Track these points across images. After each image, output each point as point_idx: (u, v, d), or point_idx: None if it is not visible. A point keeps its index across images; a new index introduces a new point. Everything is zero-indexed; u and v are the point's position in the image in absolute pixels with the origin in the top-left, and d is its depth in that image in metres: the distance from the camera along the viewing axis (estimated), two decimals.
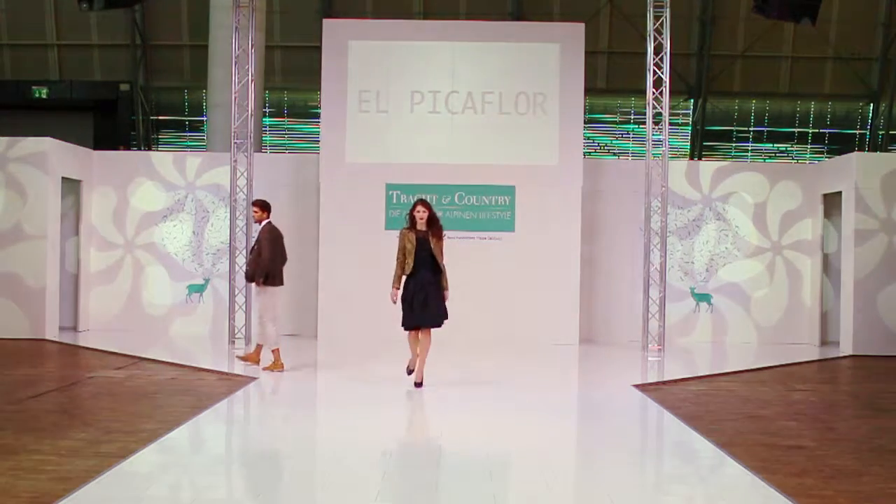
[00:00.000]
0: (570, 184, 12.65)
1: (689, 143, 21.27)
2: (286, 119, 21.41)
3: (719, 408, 7.85)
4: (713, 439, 6.42)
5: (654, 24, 12.21)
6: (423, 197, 8.95)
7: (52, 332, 12.10)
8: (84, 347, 11.23)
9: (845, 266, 12.32)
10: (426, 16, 19.44)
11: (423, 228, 8.34)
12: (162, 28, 20.71)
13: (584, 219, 12.83)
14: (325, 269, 12.70)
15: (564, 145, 12.68)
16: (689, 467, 5.99)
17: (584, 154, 13.26)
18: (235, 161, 12.14)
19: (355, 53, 12.79)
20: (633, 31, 18.53)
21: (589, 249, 13.01)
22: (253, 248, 9.72)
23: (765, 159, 21.08)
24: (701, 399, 8.29)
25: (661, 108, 12.30)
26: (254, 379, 8.95)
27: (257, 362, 9.71)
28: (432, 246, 8.28)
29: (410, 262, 8.26)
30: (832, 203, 12.94)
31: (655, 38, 12.24)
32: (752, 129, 21.52)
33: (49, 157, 12.18)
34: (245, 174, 12.15)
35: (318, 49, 13.36)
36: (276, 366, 9.42)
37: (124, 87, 20.37)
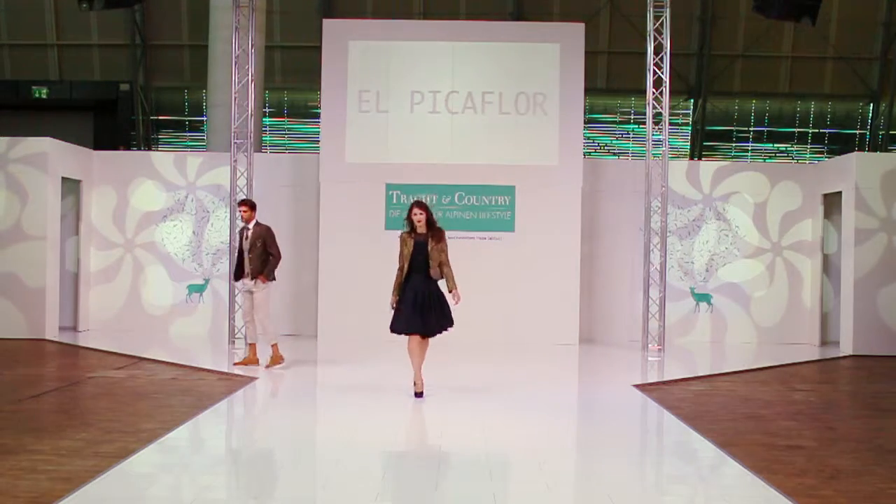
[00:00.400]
0: (570, 184, 12.66)
1: (689, 143, 21.28)
2: (286, 119, 21.41)
3: (719, 408, 7.85)
4: (713, 439, 6.42)
5: (654, 24, 12.21)
6: (420, 198, 8.71)
7: (52, 332, 12.10)
8: (84, 347, 11.23)
9: (845, 265, 12.33)
10: (426, 16, 19.45)
11: (423, 231, 7.99)
12: (162, 28, 20.72)
13: (584, 219, 12.84)
14: (325, 269, 12.71)
15: (564, 145, 12.68)
16: (689, 467, 5.99)
17: (584, 154, 13.27)
18: (235, 161, 12.14)
19: (355, 53, 12.80)
20: (633, 31, 18.53)
21: (589, 249, 13.01)
22: (245, 247, 9.68)
23: (765, 159, 21.09)
24: (701, 399, 8.29)
25: (661, 108, 12.30)
26: (254, 379, 8.95)
27: (257, 362, 9.74)
28: (430, 249, 7.90)
29: (406, 266, 7.94)
30: (832, 203, 12.94)
31: (655, 38, 12.24)
32: (752, 129, 21.52)
33: (49, 157, 12.18)
34: (245, 174, 12.15)
35: (318, 49, 13.36)
36: (277, 359, 9.57)
37: (124, 87, 20.39)
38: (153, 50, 20.93)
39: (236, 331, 11.89)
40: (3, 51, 20.96)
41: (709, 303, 13.12)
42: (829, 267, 13.14)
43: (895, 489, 5.21)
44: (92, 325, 13.08)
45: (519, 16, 19.71)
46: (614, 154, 21.10)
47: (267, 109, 20.35)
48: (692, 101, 21.02)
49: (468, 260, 11.74)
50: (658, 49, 12.23)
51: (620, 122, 21.29)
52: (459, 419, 7.14)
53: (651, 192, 12.36)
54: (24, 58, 20.93)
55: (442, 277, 8.00)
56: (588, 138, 19.08)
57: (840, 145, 21.10)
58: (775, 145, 21.58)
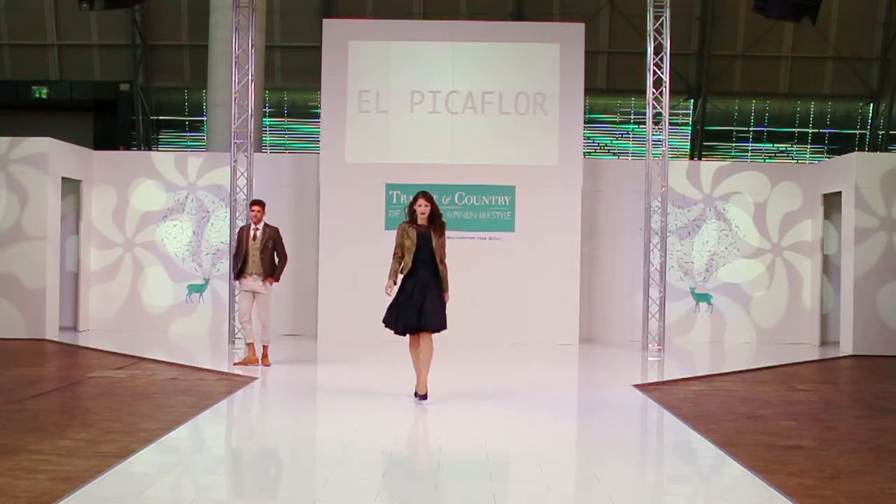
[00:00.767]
0: (570, 184, 12.66)
1: (689, 143, 21.26)
2: (286, 119, 21.40)
3: (719, 408, 7.85)
4: (713, 439, 6.42)
5: (654, 24, 12.22)
6: (425, 188, 8.10)
7: (52, 332, 12.10)
8: (84, 347, 11.23)
9: (845, 264, 12.33)
10: (426, 16, 19.43)
11: (424, 223, 7.61)
12: (162, 28, 20.71)
13: (584, 219, 12.84)
14: (325, 269, 12.71)
15: (564, 145, 12.69)
16: (689, 467, 5.99)
17: (584, 154, 13.27)
18: (235, 161, 12.14)
19: (355, 53, 12.80)
20: (633, 31, 18.53)
21: (589, 249, 13.02)
22: (253, 247, 9.70)
23: (765, 159, 21.08)
24: (701, 399, 8.29)
25: (661, 108, 12.30)
26: (254, 379, 8.95)
27: (256, 361, 9.78)
28: (434, 244, 7.54)
29: (409, 260, 7.53)
30: (832, 203, 12.94)
31: (655, 38, 12.24)
32: (752, 129, 21.51)
33: (49, 157, 12.18)
34: (245, 174, 12.15)
35: (318, 49, 13.36)
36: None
37: (124, 87, 20.36)
38: (153, 50, 20.91)
39: (236, 331, 11.89)
40: (3, 51, 20.96)
41: (709, 303, 13.13)
42: (829, 267, 13.14)
43: (895, 489, 5.21)
44: (92, 324, 13.08)
45: (519, 16, 19.70)
46: (614, 154, 21.10)
47: (267, 109, 20.34)
48: (692, 101, 21.01)
49: (468, 260, 11.77)
50: (658, 49, 12.23)
51: (620, 122, 21.28)
52: (459, 419, 7.14)
53: (651, 192, 12.36)
54: (24, 58, 20.91)
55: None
56: (588, 138, 19.07)
57: (840, 145, 21.08)
58: (775, 145, 21.57)
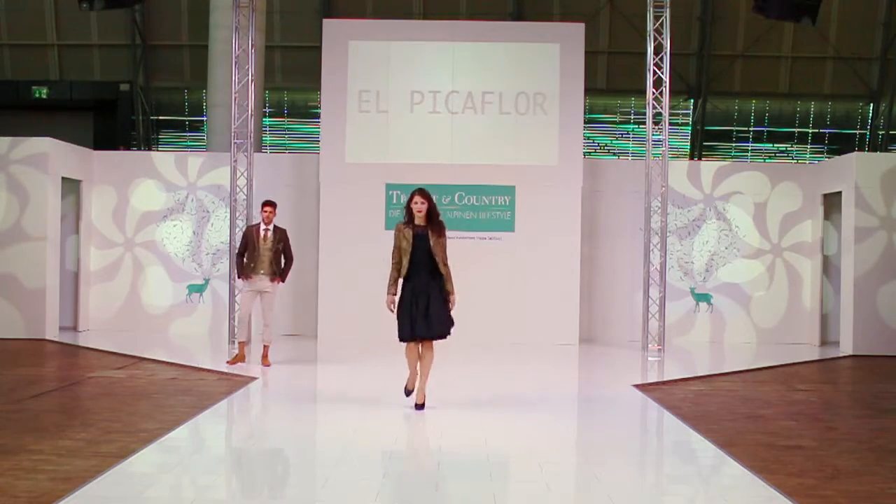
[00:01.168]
0: (570, 184, 12.66)
1: (689, 143, 21.27)
2: (286, 119, 21.41)
3: (719, 408, 7.85)
4: (713, 439, 6.42)
5: (654, 24, 12.22)
6: (422, 186, 7.59)
7: (52, 333, 12.10)
8: (84, 347, 11.23)
9: (845, 264, 12.33)
10: (426, 16, 19.44)
11: (422, 223, 7.23)
12: (162, 28, 20.71)
13: (584, 219, 12.84)
14: (325, 269, 12.71)
15: (564, 145, 12.69)
16: (689, 467, 5.99)
17: (584, 154, 13.27)
18: (235, 161, 12.14)
19: (355, 53, 12.80)
20: (633, 31, 18.53)
21: (589, 249, 13.02)
22: (263, 247, 9.75)
23: (765, 159, 21.08)
24: (701, 399, 8.29)
25: (661, 108, 12.30)
26: (254, 379, 8.96)
27: (244, 359, 9.89)
28: (432, 244, 7.16)
29: (406, 262, 7.17)
30: (832, 203, 12.94)
31: (655, 38, 12.24)
32: (752, 129, 21.52)
33: (49, 157, 12.18)
34: (245, 174, 12.15)
35: (318, 49, 13.36)
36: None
37: (124, 87, 20.36)
38: (153, 50, 20.92)
39: (236, 331, 11.89)
40: (3, 51, 20.96)
41: (709, 303, 13.13)
42: (829, 268, 13.13)
43: (895, 489, 5.21)
44: (92, 324, 13.08)
45: (519, 16, 19.71)
46: (614, 154, 21.10)
47: (267, 109, 20.35)
48: (692, 101, 21.01)
49: (468, 260, 11.76)
50: (658, 49, 12.23)
51: (620, 122, 21.28)
52: (459, 419, 7.14)
53: (651, 192, 12.36)
54: (24, 58, 20.91)
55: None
56: (588, 138, 19.07)
57: (840, 145, 21.09)
58: (775, 145, 21.57)
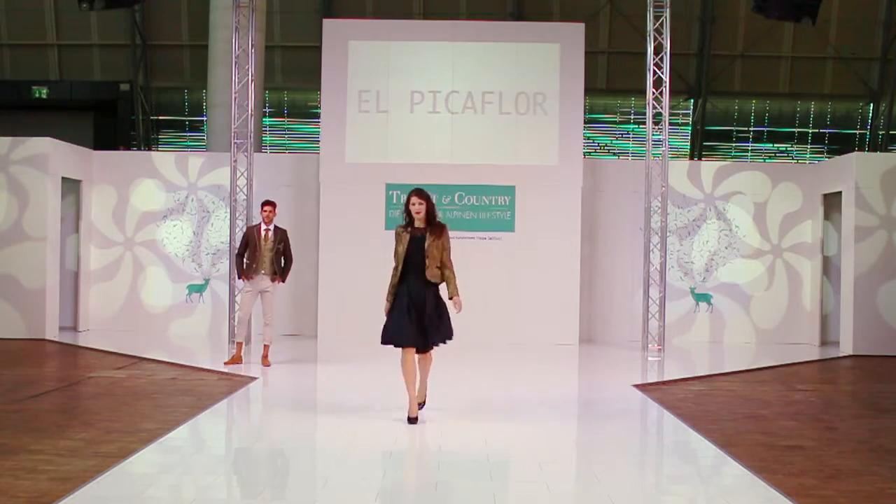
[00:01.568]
0: (570, 184, 12.66)
1: (689, 143, 21.27)
2: (286, 119, 21.41)
3: (719, 408, 7.85)
4: (713, 439, 6.42)
5: (654, 24, 12.22)
6: (420, 186, 7.19)
7: (52, 333, 12.10)
8: (84, 347, 11.23)
9: (845, 263, 12.33)
10: (426, 16, 19.44)
11: (422, 225, 6.86)
12: (162, 28, 20.71)
13: (584, 219, 12.84)
14: (325, 269, 12.71)
15: (564, 145, 12.69)
16: (689, 467, 5.99)
17: (584, 154, 13.27)
18: (235, 161, 12.14)
19: (355, 53, 12.80)
20: (633, 31, 18.53)
21: (589, 249, 13.02)
22: (264, 247, 9.77)
23: (765, 159, 21.08)
24: (701, 399, 8.29)
25: (661, 108, 12.30)
26: (254, 379, 8.96)
27: (241, 360, 9.92)
28: (426, 245, 6.78)
29: (399, 267, 6.83)
30: (832, 203, 12.94)
31: (655, 38, 12.24)
32: (752, 129, 21.52)
33: (49, 157, 12.18)
34: (245, 174, 12.15)
35: (318, 49, 13.36)
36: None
37: (124, 87, 20.38)
38: (153, 50, 20.92)
39: (235, 331, 11.88)
40: (3, 51, 20.96)
41: (709, 303, 13.13)
42: (829, 269, 13.13)
43: (895, 489, 5.21)
44: (92, 324, 13.08)
45: (519, 16, 19.71)
46: (614, 154, 21.10)
47: (267, 109, 20.35)
48: (692, 101, 21.01)
49: (468, 260, 11.75)
50: (658, 49, 12.23)
51: (620, 122, 21.29)
52: (459, 419, 7.14)
53: (651, 192, 12.36)
54: (24, 58, 20.92)
55: (441, 281, 6.89)
56: (588, 138, 19.07)
57: (840, 145, 21.09)
58: (775, 145, 21.58)
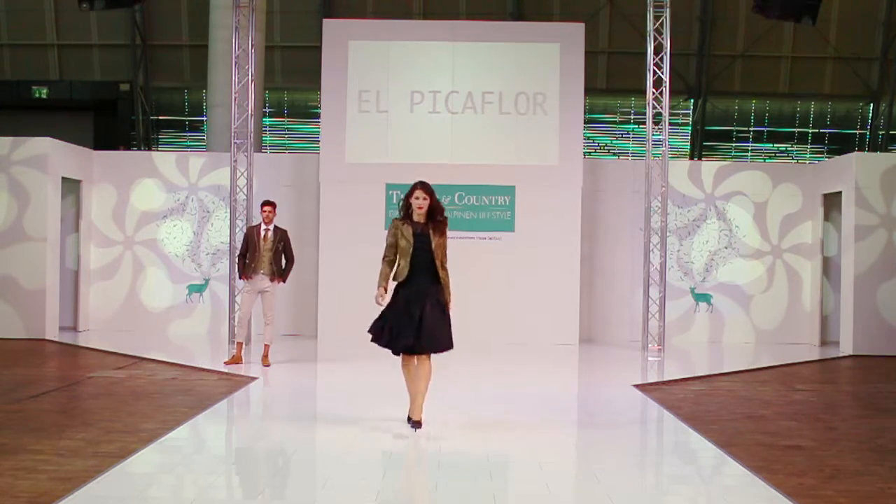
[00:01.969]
0: (570, 184, 12.66)
1: (689, 143, 21.27)
2: (286, 119, 21.41)
3: (719, 408, 7.85)
4: (713, 439, 6.42)
5: (654, 24, 12.22)
6: (424, 179, 6.69)
7: (52, 333, 12.10)
8: (84, 347, 11.23)
9: (845, 262, 12.33)
10: (426, 16, 19.43)
11: (422, 221, 6.43)
12: (162, 28, 20.70)
13: (584, 219, 12.84)
14: (325, 268, 12.71)
15: (564, 145, 12.68)
16: (689, 467, 5.99)
17: (584, 154, 13.27)
18: (235, 161, 12.14)
19: (355, 53, 12.80)
20: (633, 31, 18.52)
21: (589, 249, 13.02)
22: (264, 247, 9.77)
23: (765, 159, 21.08)
24: (701, 399, 8.29)
25: (661, 108, 12.30)
26: (254, 379, 8.96)
27: (241, 360, 9.93)
28: (434, 245, 6.35)
29: (405, 265, 6.32)
30: (832, 203, 12.94)
31: (655, 38, 12.24)
32: (752, 129, 21.51)
33: (49, 157, 12.18)
34: (245, 174, 12.15)
35: (318, 49, 13.36)
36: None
37: (124, 87, 20.37)
38: (153, 50, 20.91)
39: (236, 331, 11.88)
40: (3, 51, 20.95)
41: (709, 303, 13.12)
42: (829, 269, 13.13)
43: (895, 489, 5.21)
44: (92, 324, 13.08)
45: (519, 16, 19.70)
46: (614, 154, 21.10)
47: (267, 109, 20.34)
48: (692, 101, 21.01)
49: (468, 260, 11.75)
50: (658, 49, 12.23)
51: (620, 122, 21.28)
52: (459, 419, 7.14)
53: (651, 192, 12.36)
54: (24, 58, 20.91)
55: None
56: (588, 138, 19.06)
57: (840, 145, 21.09)
58: (775, 145, 21.57)
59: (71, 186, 12.92)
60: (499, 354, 11.34)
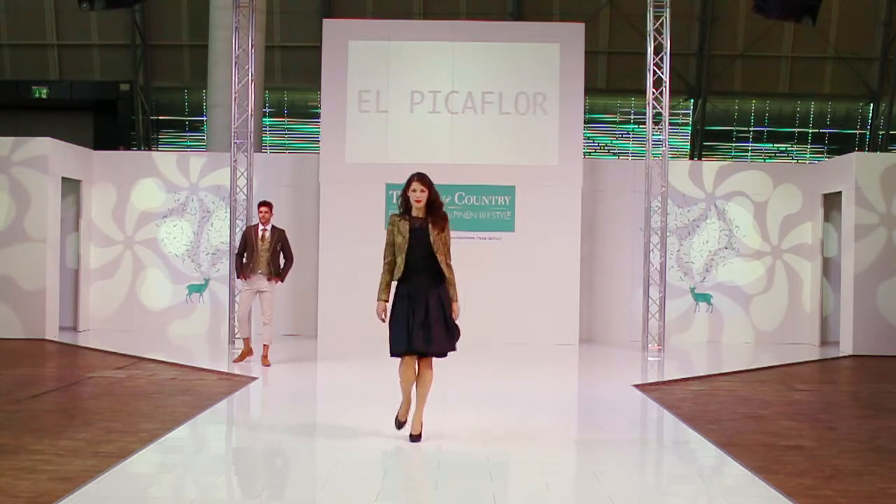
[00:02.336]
0: (570, 184, 12.66)
1: (689, 143, 21.27)
2: (286, 119, 21.41)
3: (719, 407, 7.85)
4: (713, 439, 6.42)
5: (654, 24, 12.21)
6: (422, 171, 6.22)
7: (51, 333, 12.10)
8: (84, 347, 11.23)
9: (845, 261, 12.32)
10: (426, 16, 19.43)
11: (421, 215, 6.05)
12: (162, 28, 20.71)
13: (584, 219, 12.84)
14: (325, 269, 12.71)
15: (564, 145, 12.68)
16: (689, 467, 5.99)
17: (584, 154, 13.27)
18: (235, 161, 12.14)
19: (355, 53, 12.80)
20: (633, 31, 18.52)
21: (589, 249, 13.01)
22: (261, 247, 9.78)
23: (765, 159, 21.08)
24: (701, 399, 8.29)
25: (661, 108, 12.30)
26: (254, 379, 8.96)
27: (251, 352, 9.98)
28: (432, 239, 5.99)
29: (401, 262, 6.01)
30: (832, 203, 12.94)
31: (655, 38, 12.24)
32: (752, 129, 21.52)
33: (49, 157, 12.18)
34: (245, 174, 12.15)
35: (318, 49, 13.36)
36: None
37: (124, 87, 20.37)
38: (153, 50, 20.92)
39: (235, 331, 11.88)
40: (3, 51, 20.96)
41: (709, 303, 13.12)
42: (829, 270, 13.13)
43: (895, 489, 5.21)
44: (92, 324, 13.08)
45: (519, 16, 19.70)
46: (614, 154, 21.10)
47: (267, 109, 20.34)
48: (692, 101, 21.01)
49: (468, 260, 11.74)
50: (658, 49, 12.23)
51: (620, 122, 21.28)
52: (459, 419, 7.14)
53: (651, 192, 12.36)
54: (24, 58, 20.91)
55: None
56: (588, 138, 19.05)
57: (840, 145, 21.09)
58: (775, 145, 21.57)
59: (71, 186, 12.91)
60: (499, 354, 11.33)
